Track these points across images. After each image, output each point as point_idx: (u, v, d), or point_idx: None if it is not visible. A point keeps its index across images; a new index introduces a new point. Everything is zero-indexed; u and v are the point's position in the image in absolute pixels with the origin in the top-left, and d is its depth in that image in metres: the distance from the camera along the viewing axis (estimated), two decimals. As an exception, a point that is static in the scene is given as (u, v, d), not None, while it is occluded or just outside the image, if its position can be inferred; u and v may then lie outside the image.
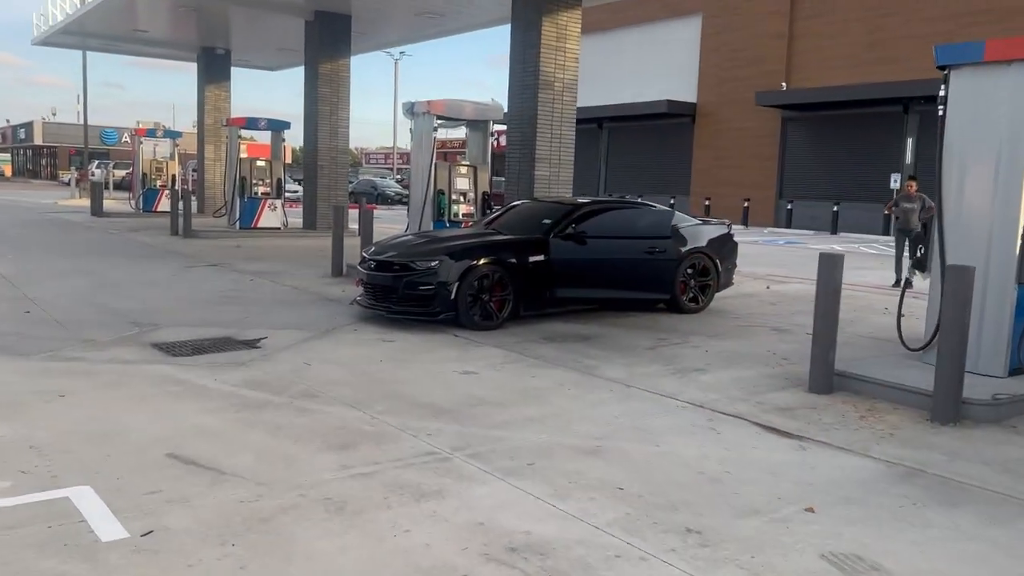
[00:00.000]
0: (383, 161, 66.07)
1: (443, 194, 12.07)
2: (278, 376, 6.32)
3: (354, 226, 19.60)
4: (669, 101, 32.51)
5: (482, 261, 8.27)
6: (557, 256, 8.61)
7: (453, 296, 8.13)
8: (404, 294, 8.24)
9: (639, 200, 9.94)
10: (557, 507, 3.94)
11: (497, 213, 10.11)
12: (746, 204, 29.03)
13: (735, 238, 10.49)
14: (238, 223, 18.42)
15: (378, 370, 6.60)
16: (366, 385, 6.10)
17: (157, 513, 3.73)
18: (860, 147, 27.91)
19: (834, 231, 26.99)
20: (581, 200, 9.51)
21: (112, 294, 10.10)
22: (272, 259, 14.25)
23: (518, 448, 4.78)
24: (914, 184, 12.74)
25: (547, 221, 9.01)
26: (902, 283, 13.12)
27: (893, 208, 13.07)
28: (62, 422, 5.02)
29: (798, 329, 8.89)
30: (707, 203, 30.31)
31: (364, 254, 8.96)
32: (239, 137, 18.69)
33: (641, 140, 35.51)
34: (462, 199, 12.35)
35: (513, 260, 8.43)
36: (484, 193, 12.59)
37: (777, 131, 30.26)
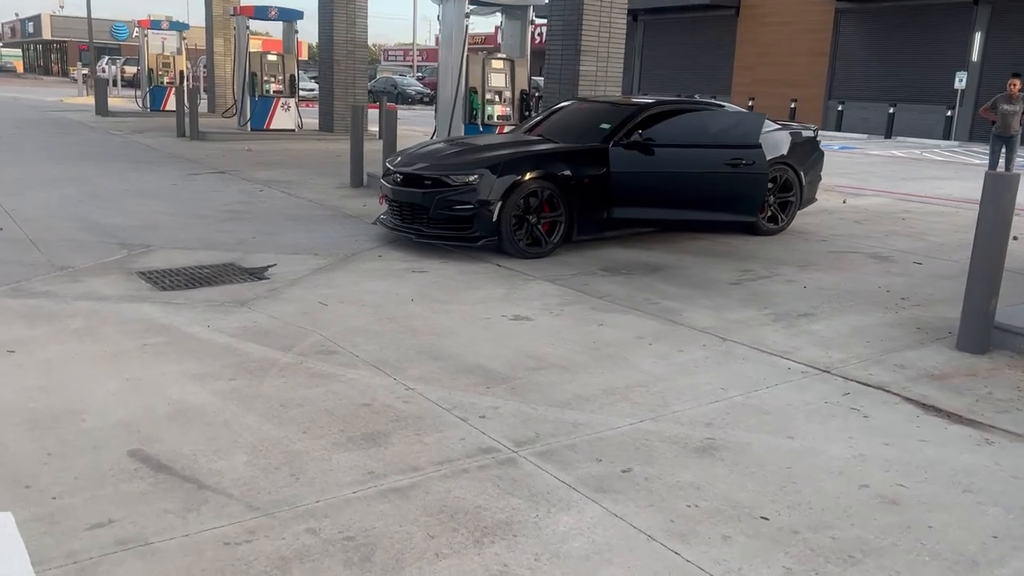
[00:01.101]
0: (402, 58, 63.35)
1: (475, 93, 10.56)
2: (287, 322, 5.09)
3: (374, 128, 18.14)
4: (712, -9, 30.03)
5: (529, 176, 6.89)
6: (618, 169, 7.20)
7: (496, 218, 6.79)
8: (437, 214, 6.90)
9: (715, 101, 8.39)
10: (682, 556, 2.72)
11: (540, 116, 8.63)
12: (793, 105, 26.98)
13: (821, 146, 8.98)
14: (248, 124, 16.94)
15: (410, 314, 5.35)
16: (396, 336, 4.86)
17: (97, 570, 2.55)
18: (921, 42, 25.62)
19: (888, 135, 25.07)
20: (643, 100, 8.00)
21: (102, 206, 8.83)
22: (285, 165, 12.88)
23: (604, 442, 3.54)
24: (1018, 83, 11.04)
25: (605, 126, 7.55)
26: None
27: (990, 110, 11.40)
28: None
29: (901, 257, 7.50)
30: (750, 103, 28.26)
31: (389, 165, 7.59)
32: (248, 29, 16.99)
33: (680, 35, 33.12)
34: (497, 99, 10.83)
35: (567, 174, 7.04)
36: (523, 92, 11.05)
37: (830, 24, 27.89)
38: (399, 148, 8.53)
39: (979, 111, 11.76)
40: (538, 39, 41.36)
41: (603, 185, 7.21)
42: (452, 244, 6.97)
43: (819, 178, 8.94)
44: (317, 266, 6.59)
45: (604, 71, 11.81)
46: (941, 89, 24.69)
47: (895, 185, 13.19)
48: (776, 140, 8.05)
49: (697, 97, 9.18)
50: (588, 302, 5.74)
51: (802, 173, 8.37)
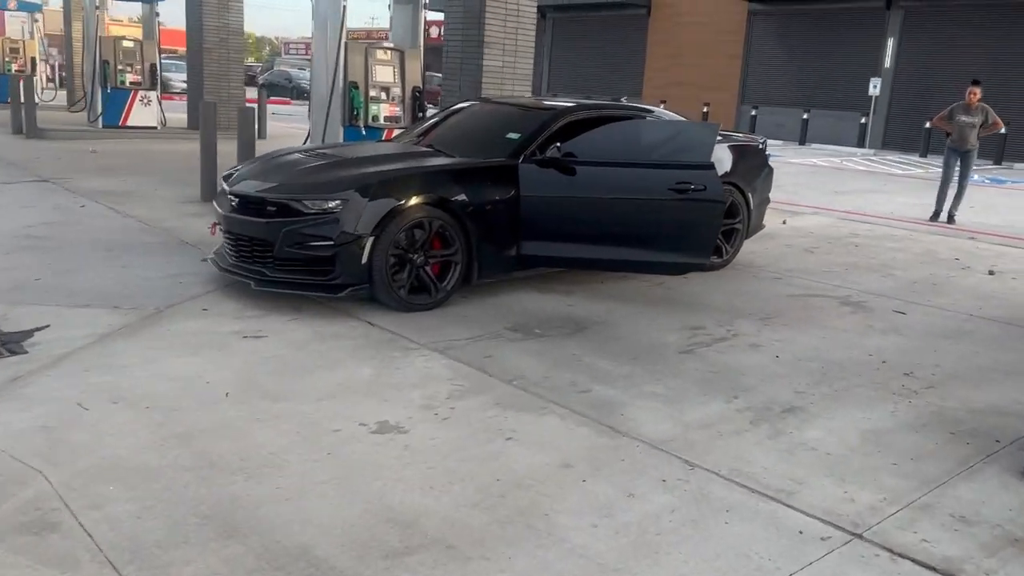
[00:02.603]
0: (304, 52, 60.33)
1: (357, 89, 8.68)
2: (4, 447, 3.17)
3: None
4: (623, -12, 28.85)
5: (414, 201, 5.12)
6: (530, 192, 5.50)
7: (366, 258, 4.99)
8: (286, 252, 5.05)
9: (649, 106, 6.74)
10: None
11: (432, 120, 6.85)
12: (705, 109, 26.01)
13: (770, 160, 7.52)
14: (100, 120, 14.51)
15: (218, 424, 3.50)
16: (178, 481, 3.01)
17: None
18: (834, 47, 25.02)
19: (803, 141, 24.35)
20: (562, 103, 6.32)
21: None
22: (130, 171, 10.67)
23: None
24: (978, 91, 9.91)
25: (513, 136, 5.85)
26: (944, 217, 10.63)
27: (945, 121, 10.25)
28: None
29: (876, 302, 6.08)
30: (662, 106, 27.14)
31: (223, 183, 5.67)
32: (99, 10, 14.50)
33: (590, 34, 31.87)
34: (384, 96, 8.99)
35: (463, 199, 5.30)
36: (415, 89, 9.25)
37: (743, 26, 27.07)
38: (266, 152, 6.60)
39: (931, 122, 10.67)
40: (437, 35, 39.56)
41: (511, 213, 5.51)
42: (305, 293, 5.12)
43: (767, 200, 7.48)
44: (108, 328, 4.64)
45: (512, 67, 10.15)
46: (855, 95, 24.12)
47: (830, 200, 11.99)
48: (717, 155, 6.50)
49: (624, 100, 7.44)
50: (491, 390, 4.01)
51: (749, 195, 6.88)
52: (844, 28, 24.74)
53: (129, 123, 14.82)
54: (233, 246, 5.39)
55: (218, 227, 5.57)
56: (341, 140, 8.70)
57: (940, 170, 10.80)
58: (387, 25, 10.29)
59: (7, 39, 20.13)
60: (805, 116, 24.33)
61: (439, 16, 10.76)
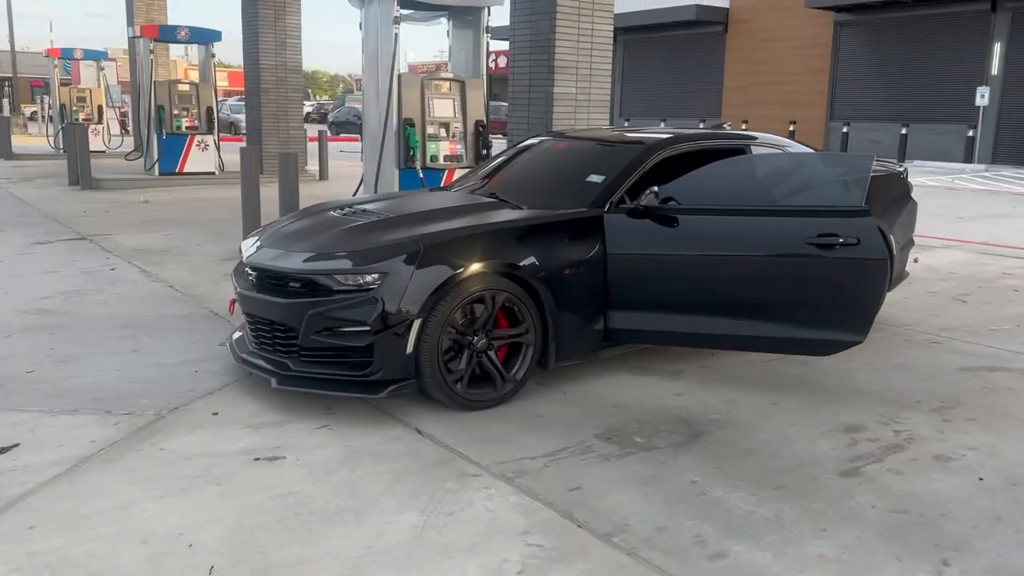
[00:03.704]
0: (372, 87, 60.43)
1: (412, 126, 7.65)
2: None
3: (316, 167, 15.32)
4: (698, 6, 27.54)
5: (474, 268, 3.97)
6: (620, 250, 4.30)
7: (412, 346, 3.86)
8: (312, 341, 3.95)
9: (771, 135, 5.42)
10: None
11: (498, 160, 5.71)
12: (792, 127, 24.36)
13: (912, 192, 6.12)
14: (156, 167, 13.96)
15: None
16: None
17: None
18: (933, 55, 23.13)
19: (902, 158, 22.44)
20: (654, 134, 5.10)
21: None
22: (178, 224, 9.90)
23: None
24: None
25: (596, 179, 4.65)
26: None
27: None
28: None
29: (1085, 379, 4.62)
30: (744, 126, 25.64)
31: (243, 249, 4.63)
32: (152, 53, 14.00)
33: (663, 54, 30.61)
34: (443, 132, 7.94)
35: (535, 262, 4.13)
36: (478, 123, 8.18)
37: (829, 39, 25.40)
38: (302, 209, 5.59)
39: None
40: (502, 64, 38.76)
41: (595, 277, 4.31)
42: (338, 393, 3.99)
43: (912, 242, 6.08)
44: (87, 448, 3.61)
45: (586, 94, 8.99)
46: (959, 106, 22.17)
47: (958, 229, 10.39)
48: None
49: (728, 127, 6.15)
50: (583, 556, 2.78)
51: (891, 237, 5.50)
52: (943, 34, 22.85)
53: (186, 169, 14.23)
54: (253, 331, 4.33)
55: (236, 303, 4.52)
56: (396, 184, 7.68)
57: None
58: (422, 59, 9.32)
59: (75, 88, 20.05)
60: (904, 131, 22.47)
61: (504, 45, 9.86)
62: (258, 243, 4.47)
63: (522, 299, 4.10)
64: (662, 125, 33.40)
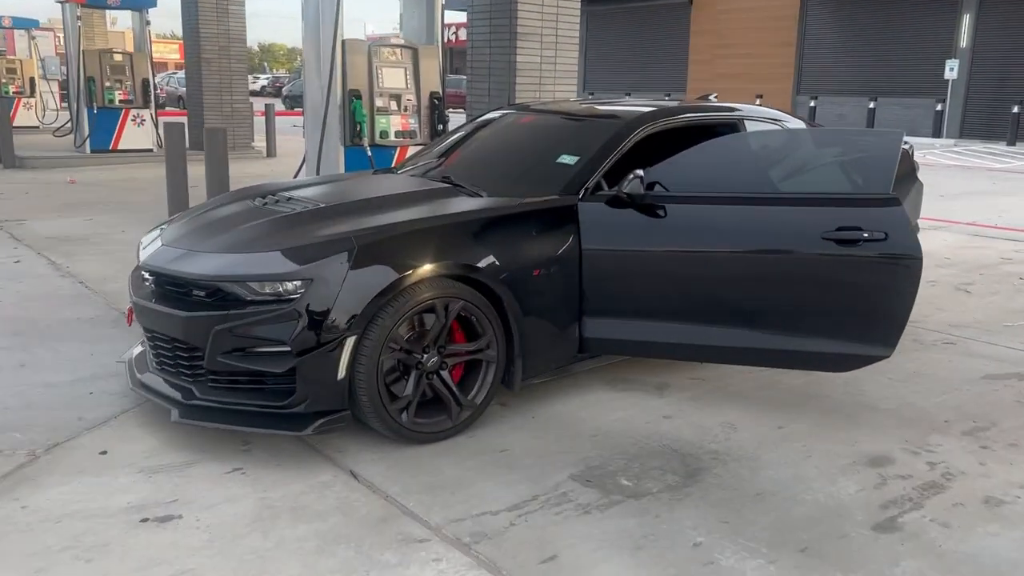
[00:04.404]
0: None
1: (358, 98, 6.83)
2: None
3: (263, 144, 14.39)
4: (663, -24, 26.81)
5: (422, 271, 3.23)
6: (598, 245, 3.59)
7: (344, 370, 3.12)
8: (220, 364, 3.18)
9: (772, 109, 4.70)
10: None
11: (455, 137, 4.93)
12: (758, 102, 23.76)
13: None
14: (87, 144, 12.88)
15: None
16: None
17: None
18: (902, 28, 22.69)
19: (870, 134, 22.01)
20: (634, 107, 4.37)
21: None
22: (102, 207, 8.97)
23: None
24: None
25: (568, 160, 3.93)
26: None
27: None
28: None
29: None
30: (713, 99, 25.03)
31: (141, 245, 3.82)
32: (79, 19, 12.85)
33: (628, 26, 29.84)
34: (394, 106, 7.14)
35: (495, 262, 3.40)
36: (433, 96, 7.38)
37: (796, 11, 24.84)
38: (222, 196, 4.79)
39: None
40: (453, 38, 37.58)
41: (569, 278, 3.60)
42: (252, 430, 3.23)
43: (917, 228, 5.45)
44: (-74, 511, 2.82)
45: (552, 63, 8.25)
46: (928, 80, 21.79)
47: (943, 209, 9.87)
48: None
49: (714, 99, 5.43)
50: (560, 671, 2.10)
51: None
52: (912, 6, 22.41)
53: (121, 146, 13.17)
54: (153, 349, 3.55)
55: (133, 313, 3.73)
56: (341, 164, 6.87)
57: None
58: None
59: (4, 59, 18.70)
60: (871, 105, 22.06)
61: (463, 17, 9.11)
62: (163, 237, 3.68)
63: (481, 307, 3.38)
64: (626, 99, 32.74)
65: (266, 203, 3.84)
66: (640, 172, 3.56)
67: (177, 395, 3.35)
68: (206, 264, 3.30)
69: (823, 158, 3.60)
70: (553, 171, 3.90)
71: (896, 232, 3.26)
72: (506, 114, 4.83)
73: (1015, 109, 19.25)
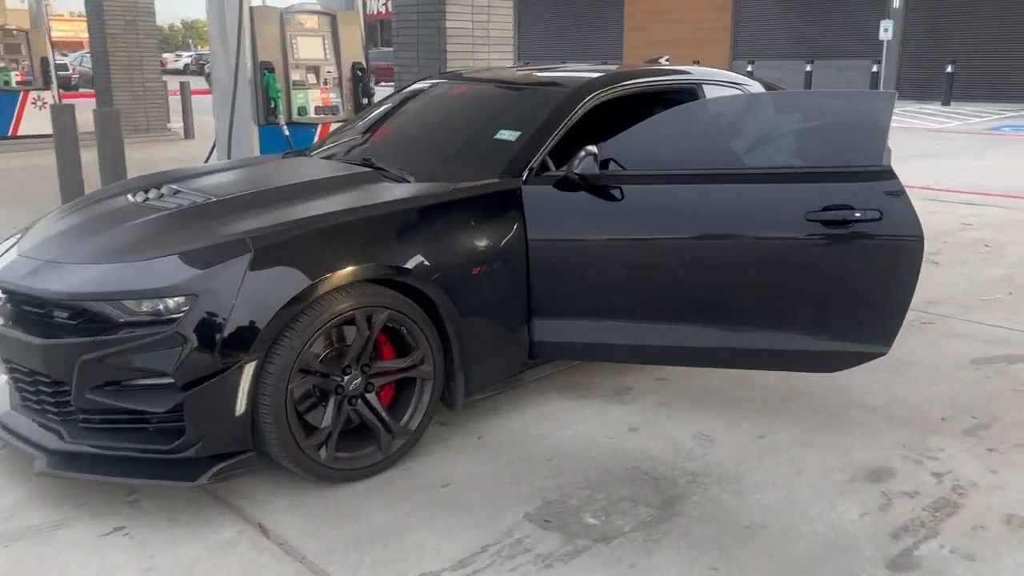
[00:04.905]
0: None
1: (271, 71, 6.15)
2: None
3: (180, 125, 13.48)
4: (595, -60, 26.21)
5: (336, 277, 2.66)
6: (546, 235, 3.07)
7: (243, 403, 2.55)
8: (89, 400, 2.58)
9: (739, 74, 4.19)
10: None
11: (380, 111, 4.33)
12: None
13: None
14: (-17, 131, 11.83)
15: None
16: None
17: None
18: (835, -11, 22.56)
19: (808, 97, 21.91)
20: (582, 73, 3.82)
21: None
22: (-8, 201, 8.10)
23: None
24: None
25: (508, 136, 3.38)
26: None
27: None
28: None
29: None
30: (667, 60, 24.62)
31: (-3, 257, 3.18)
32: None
33: (560, -7, 29.19)
34: (312, 79, 6.47)
35: (425, 262, 2.85)
36: (355, 66, 6.73)
37: (730, -27, 24.53)
38: (111, 186, 4.12)
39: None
40: (383, 9, 36.30)
41: (514, 274, 3.07)
42: (133, 481, 2.64)
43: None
44: None
45: (485, 29, 7.66)
46: (863, 42, 21.73)
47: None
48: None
49: (666, 62, 4.89)
50: None
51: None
52: (844, -33, 22.28)
53: (21, 132, 12.12)
54: (13, 382, 2.91)
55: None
56: (255, 145, 6.20)
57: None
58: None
59: None
60: (808, 68, 21.96)
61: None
62: (14, 250, 3.03)
63: (412, 315, 2.83)
64: (569, 65, 32.18)
65: (148, 198, 3.21)
66: (593, 149, 3.03)
67: (47, 439, 2.73)
68: (68, 278, 2.67)
69: (802, 126, 3.13)
70: (492, 149, 3.35)
71: (893, 210, 2.81)
72: (436, 84, 4.25)
73: (949, 69, 19.29)
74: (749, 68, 23.08)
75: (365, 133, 4.07)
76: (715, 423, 3.22)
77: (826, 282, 2.89)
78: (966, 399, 3.42)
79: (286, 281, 2.60)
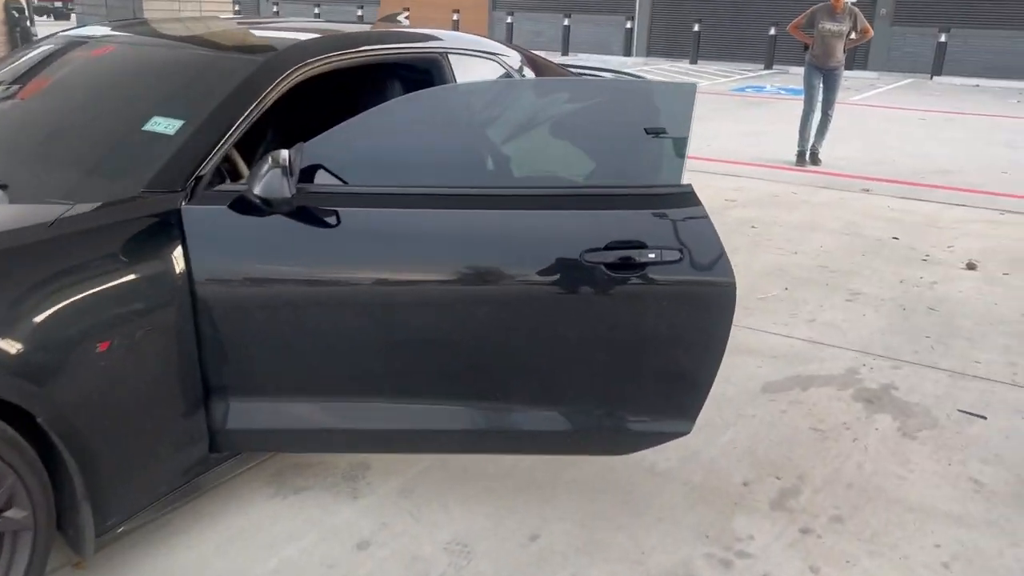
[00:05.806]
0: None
1: None
2: None
3: None
4: None
5: None
6: (220, 276, 2.07)
7: None
8: None
9: (495, 43, 3.25)
10: None
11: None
12: (456, 17, 22.69)
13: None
14: None
15: None
16: None
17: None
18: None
19: (565, 51, 21.88)
20: (287, 33, 2.76)
21: None
22: None
23: None
24: (846, -10, 7.52)
25: (163, 127, 2.28)
26: (807, 157, 8.03)
27: (803, 29, 7.85)
28: None
29: (900, 378, 3.37)
30: (404, 18, 23.36)
31: None
32: None
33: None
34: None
35: (7, 343, 1.74)
36: (9, 5, 5.10)
37: (487, -82, 23.76)
38: None
39: (788, 28, 8.12)
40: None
41: (174, 341, 2.04)
42: None
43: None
44: None
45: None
46: (619, -2, 21.91)
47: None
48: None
49: (405, 19, 3.86)
50: None
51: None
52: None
53: None
54: None
55: None
56: None
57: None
58: None
59: None
60: (566, 23, 21.82)
61: None
62: None
63: (-15, 433, 1.72)
64: (275, 9, 29.72)
65: None
66: (283, 156, 2.04)
67: None
68: None
69: (581, 125, 2.32)
70: (138, 147, 2.26)
71: (697, 247, 2.09)
72: (77, 40, 2.99)
73: (695, 27, 19.91)
74: (508, 19, 22.63)
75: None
76: (472, 519, 2.41)
77: (610, 344, 2.13)
78: (765, 449, 2.88)
79: None
